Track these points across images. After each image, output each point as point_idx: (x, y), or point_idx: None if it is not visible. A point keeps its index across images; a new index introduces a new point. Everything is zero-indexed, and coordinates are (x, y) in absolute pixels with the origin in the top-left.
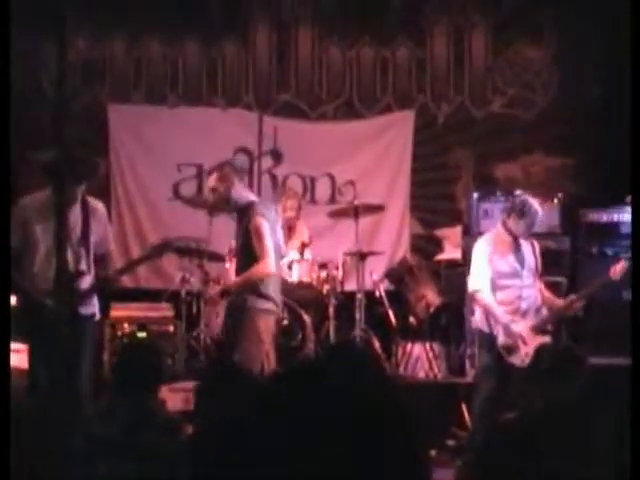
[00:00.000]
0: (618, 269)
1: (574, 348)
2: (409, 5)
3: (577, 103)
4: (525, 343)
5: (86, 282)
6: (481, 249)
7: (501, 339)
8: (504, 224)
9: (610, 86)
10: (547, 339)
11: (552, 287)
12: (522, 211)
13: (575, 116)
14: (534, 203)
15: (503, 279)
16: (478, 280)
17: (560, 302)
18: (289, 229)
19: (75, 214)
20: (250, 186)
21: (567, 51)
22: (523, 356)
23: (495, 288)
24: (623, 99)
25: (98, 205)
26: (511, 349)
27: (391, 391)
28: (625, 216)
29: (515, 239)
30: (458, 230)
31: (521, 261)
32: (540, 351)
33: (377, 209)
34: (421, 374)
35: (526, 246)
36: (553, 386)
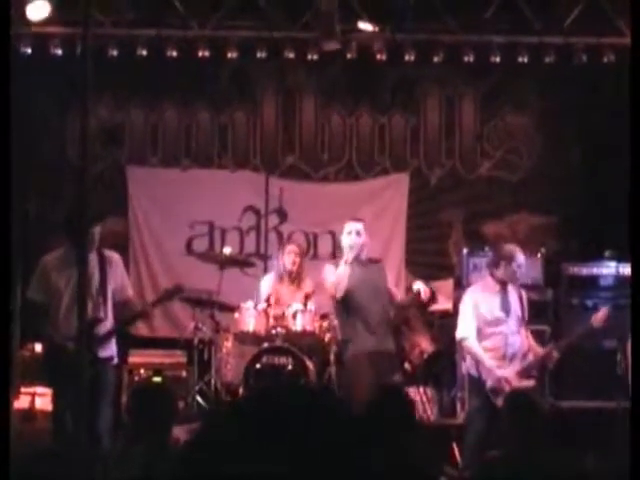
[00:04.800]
0: (599, 316)
1: (529, 392)
2: (404, 77)
3: (558, 166)
4: (511, 387)
5: (104, 328)
6: (469, 300)
7: (489, 383)
8: (493, 275)
9: (588, 150)
10: (532, 383)
11: (537, 335)
12: (511, 256)
13: (557, 178)
14: (517, 249)
15: (490, 327)
16: (465, 328)
17: (539, 350)
18: (294, 281)
19: (93, 265)
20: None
21: (549, 118)
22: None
23: (482, 336)
24: (601, 162)
25: (114, 256)
26: (498, 392)
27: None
28: (603, 270)
29: (503, 287)
30: (450, 283)
31: (507, 309)
32: (504, 397)
33: (375, 262)
34: (415, 416)
35: (513, 295)
36: (513, 426)
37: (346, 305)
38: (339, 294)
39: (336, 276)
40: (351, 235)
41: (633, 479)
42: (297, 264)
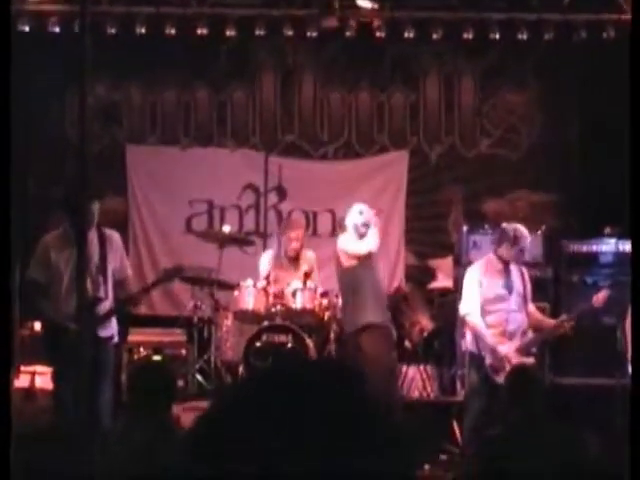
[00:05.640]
0: (600, 297)
1: (531, 369)
2: (403, 54)
3: (558, 143)
4: (510, 364)
5: (105, 307)
6: (472, 276)
7: (488, 360)
8: (496, 252)
9: (588, 127)
10: (531, 360)
11: (538, 311)
12: (515, 238)
13: (556, 156)
14: (524, 230)
15: (492, 304)
16: (468, 304)
17: (551, 322)
18: (294, 259)
19: (92, 244)
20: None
21: (549, 96)
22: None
23: (484, 312)
24: (600, 139)
25: (114, 235)
26: (497, 369)
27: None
28: (603, 247)
29: (506, 266)
30: (449, 260)
31: (509, 287)
32: (507, 373)
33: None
34: (416, 394)
35: (515, 273)
36: (515, 403)
37: (356, 276)
38: (373, 250)
39: (372, 236)
40: (363, 215)
41: (633, 460)
42: (297, 249)
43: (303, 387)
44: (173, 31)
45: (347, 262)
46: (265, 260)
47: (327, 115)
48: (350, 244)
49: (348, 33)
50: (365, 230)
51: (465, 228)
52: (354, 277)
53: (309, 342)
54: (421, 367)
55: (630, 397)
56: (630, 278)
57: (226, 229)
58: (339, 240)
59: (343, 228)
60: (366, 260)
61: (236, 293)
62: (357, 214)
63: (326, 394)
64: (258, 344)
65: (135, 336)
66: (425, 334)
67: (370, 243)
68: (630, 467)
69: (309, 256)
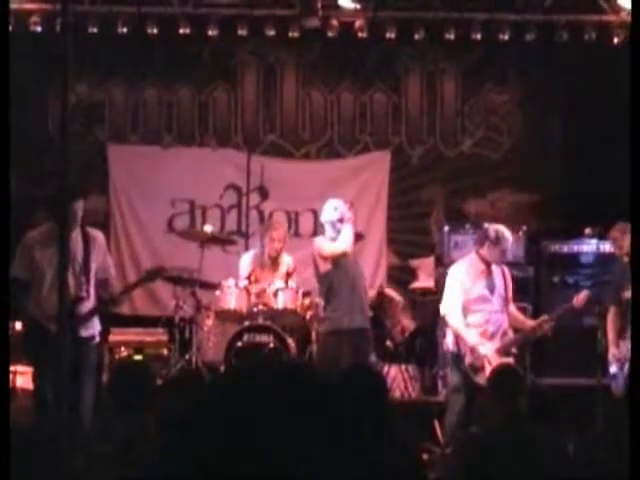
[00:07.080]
0: (581, 298)
1: (513, 369)
2: (385, 55)
3: (539, 144)
4: (490, 364)
5: (86, 307)
6: (455, 276)
7: (468, 359)
8: (478, 253)
9: (570, 128)
10: (510, 360)
11: (518, 312)
12: (496, 239)
13: (538, 156)
14: (505, 231)
15: (474, 304)
16: (450, 304)
17: (532, 322)
18: (275, 259)
19: (76, 244)
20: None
21: (530, 96)
22: (488, 376)
23: (466, 312)
24: (582, 139)
25: (97, 235)
26: (477, 369)
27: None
28: (584, 247)
29: (488, 267)
30: (431, 261)
31: (491, 288)
32: (491, 372)
33: (357, 238)
34: (397, 394)
35: (497, 274)
36: (497, 403)
37: (333, 280)
38: (348, 249)
39: (346, 234)
40: (338, 210)
41: (633, 459)
42: (279, 250)
43: (262, 390)
44: (155, 31)
45: (323, 267)
46: (247, 260)
47: (309, 115)
48: (325, 245)
49: (330, 33)
50: (341, 226)
51: (446, 228)
52: (331, 282)
53: (290, 342)
54: (403, 367)
55: (630, 397)
56: (616, 277)
57: (208, 229)
58: (315, 242)
59: (321, 227)
60: (342, 261)
61: (218, 293)
62: (332, 210)
63: (281, 395)
64: (239, 344)
65: (117, 336)
66: (406, 334)
67: (344, 242)
68: (630, 467)
69: (286, 260)
